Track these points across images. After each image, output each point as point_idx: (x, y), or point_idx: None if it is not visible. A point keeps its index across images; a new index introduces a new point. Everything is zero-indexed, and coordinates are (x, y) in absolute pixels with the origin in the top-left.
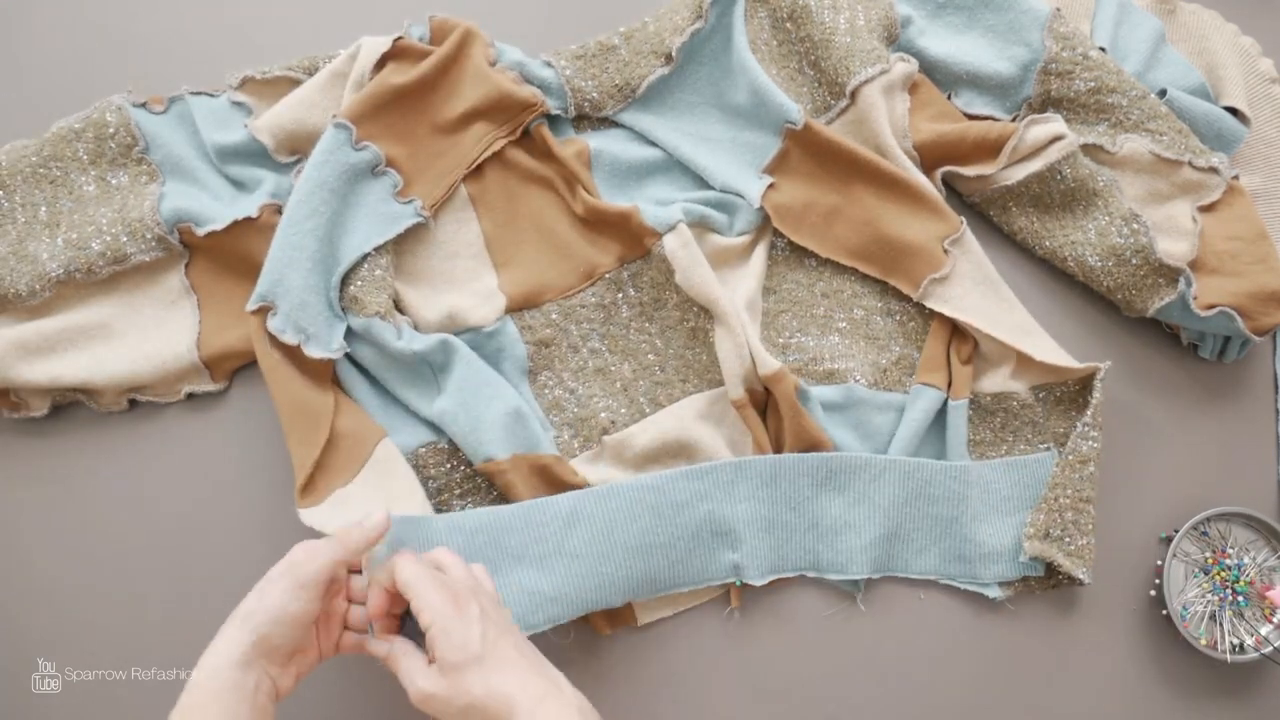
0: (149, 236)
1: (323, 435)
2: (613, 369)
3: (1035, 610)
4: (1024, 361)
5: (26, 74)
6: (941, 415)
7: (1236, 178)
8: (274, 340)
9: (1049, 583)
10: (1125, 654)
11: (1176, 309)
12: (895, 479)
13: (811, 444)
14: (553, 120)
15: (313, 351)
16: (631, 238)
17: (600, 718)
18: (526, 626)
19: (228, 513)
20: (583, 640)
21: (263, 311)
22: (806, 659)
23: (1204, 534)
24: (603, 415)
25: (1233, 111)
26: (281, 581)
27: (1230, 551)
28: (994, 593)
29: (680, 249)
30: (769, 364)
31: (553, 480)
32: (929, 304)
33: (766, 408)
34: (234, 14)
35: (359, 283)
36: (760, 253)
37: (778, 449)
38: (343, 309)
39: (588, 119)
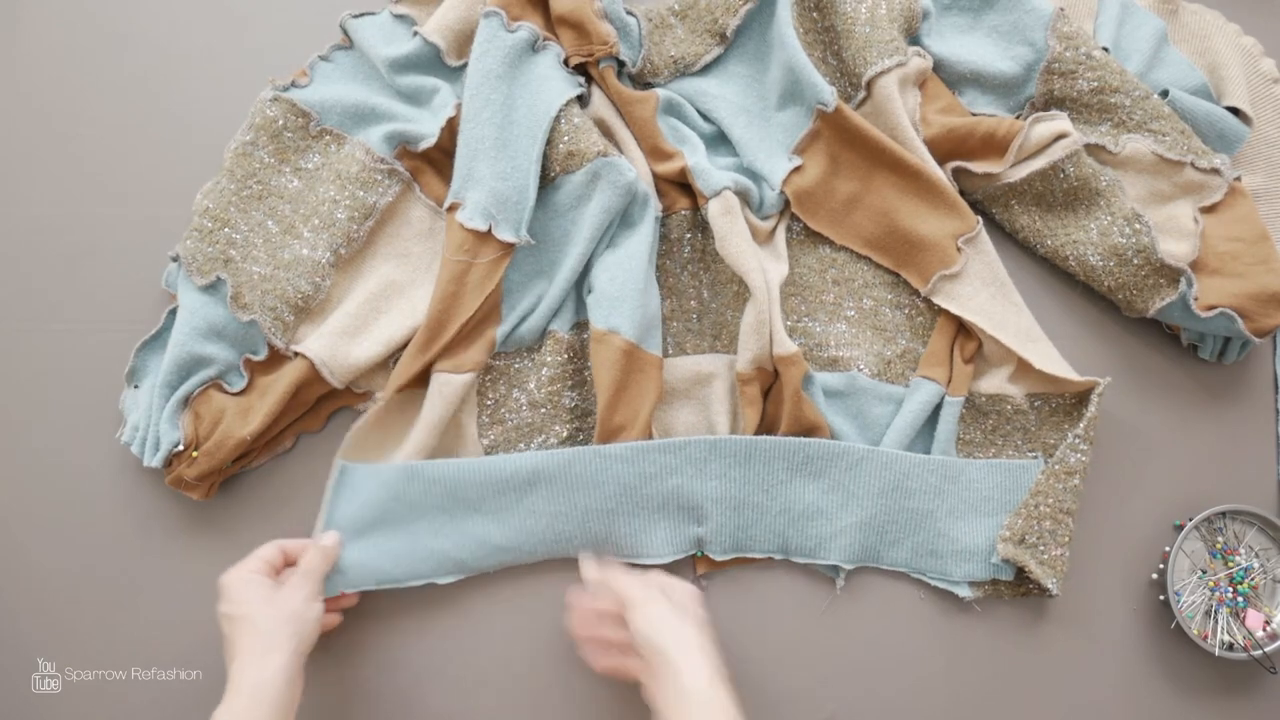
0: (379, 175)
1: (444, 341)
2: None
3: (1035, 609)
4: (1024, 367)
5: (26, 74)
6: (938, 410)
7: (1239, 179)
8: (464, 239)
9: (1018, 589)
10: (1124, 653)
11: (1177, 309)
12: (873, 469)
13: (809, 429)
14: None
15: (502, 235)
16: (693, 190)
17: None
18: (475, 570)
19: (226, 510)
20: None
21: (455, 209)
22: (798, 651)
23: (1219, 530)
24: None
25: (1235, 112)
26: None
27: (1242, 552)
28: (963, 592)
29: (721, 216)
30: (786, 345)
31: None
32: (937, 300)
33: (770, 391)
34: (234, 11)
35: (566, 138)
36: (780, 236)
37: (771, 432)
38: (563, 171)
39: (634, 80)
